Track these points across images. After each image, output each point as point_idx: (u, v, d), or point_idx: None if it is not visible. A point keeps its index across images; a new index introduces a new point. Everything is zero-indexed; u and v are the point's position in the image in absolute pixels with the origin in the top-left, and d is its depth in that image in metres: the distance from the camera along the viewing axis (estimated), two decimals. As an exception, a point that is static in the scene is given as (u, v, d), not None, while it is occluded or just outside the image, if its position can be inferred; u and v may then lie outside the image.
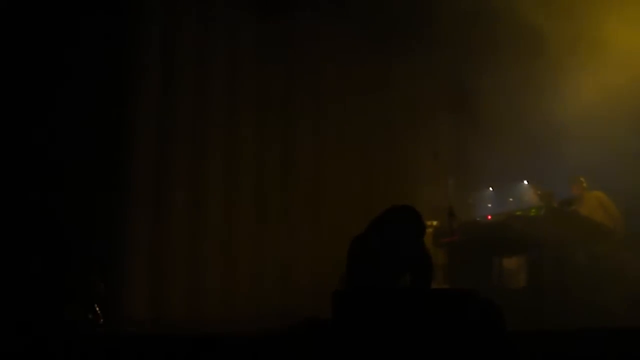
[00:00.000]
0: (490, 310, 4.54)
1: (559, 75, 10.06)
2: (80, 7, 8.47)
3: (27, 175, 7.83)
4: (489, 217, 9.23)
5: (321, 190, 10.93)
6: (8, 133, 7.88)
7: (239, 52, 10.48)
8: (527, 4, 9.55)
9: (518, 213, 8.89)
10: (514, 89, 10.49)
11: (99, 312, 7.13)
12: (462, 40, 11.04)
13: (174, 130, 9.62)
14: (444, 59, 11.91)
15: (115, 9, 8.88)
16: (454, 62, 11.98)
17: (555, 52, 9.98)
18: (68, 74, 8.40)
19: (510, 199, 10.75)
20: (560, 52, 9.93)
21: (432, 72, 12.20)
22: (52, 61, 8.28)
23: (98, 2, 8.67)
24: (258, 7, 10.59)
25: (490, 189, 11.37)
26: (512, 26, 9.71)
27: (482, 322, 4.33)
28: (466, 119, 12.15)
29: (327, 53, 11.20)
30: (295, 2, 10.63)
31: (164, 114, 9.55)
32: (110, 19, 8.80)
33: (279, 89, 10.86)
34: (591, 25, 9.54)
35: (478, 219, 9.43)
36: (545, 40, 9.90)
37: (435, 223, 9.66)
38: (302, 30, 10.87)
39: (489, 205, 11.02)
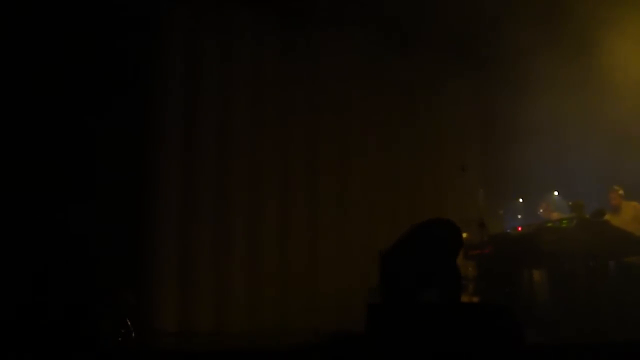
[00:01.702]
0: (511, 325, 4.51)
1: (591, 82, 10.01)
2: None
3: (52, 189, 7.92)
4: (520, 228, 9.13)
5: (348, 203, 10.93)
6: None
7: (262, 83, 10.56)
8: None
9: (549, 224, 8.79)
10: (544, 96, 10.45)
11: (130, 325, 7.18)
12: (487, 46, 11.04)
13: (198, 147, 9.71)
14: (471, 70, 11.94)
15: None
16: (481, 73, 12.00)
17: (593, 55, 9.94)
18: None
19: (541, 210, 10.66)
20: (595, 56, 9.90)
21: (460, 84, 12.20)
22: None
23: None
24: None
25: (521, 200, 11.28)
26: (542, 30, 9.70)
27: (508, 337, 4.31)
28: (495, 129, 12.11)
29: (352, 63, 11.19)
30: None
31: (187, 123, 9.66)
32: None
33: (302, 103, 10.88)
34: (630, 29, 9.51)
35: (508, 231, 9.34)
36: (578, 45, 9.86)
37: (465, 235, 9.61)
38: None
39: (519, 216, 10.93)
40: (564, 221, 8.57)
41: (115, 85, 8.70)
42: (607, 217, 9.35)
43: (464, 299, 8.96)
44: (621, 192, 9.53)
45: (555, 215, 10.00)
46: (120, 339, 7.01)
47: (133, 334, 7.17)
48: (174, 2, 9.77)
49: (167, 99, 9.54)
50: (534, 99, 10.58)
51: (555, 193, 10.77)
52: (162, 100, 9.50)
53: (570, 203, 9.37)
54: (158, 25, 9.54)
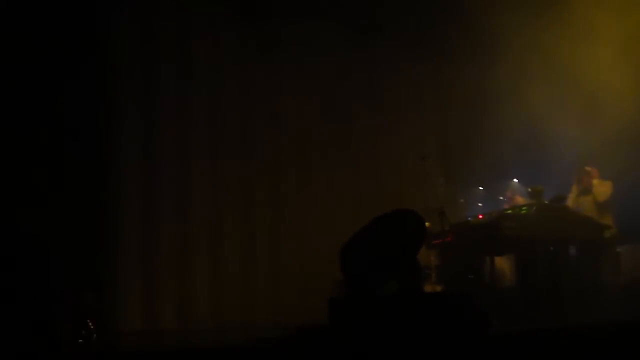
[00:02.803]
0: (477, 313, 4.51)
1: (546, 71, 10.10)
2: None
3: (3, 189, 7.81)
4: (480, 216, 9.18)
5: (309, 196, 10.91)
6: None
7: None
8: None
9: (509, 211, 8.86)
10: (501, 84, 10.51)
11: (91, 327, 7.09)
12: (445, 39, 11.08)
13: (159, 145, 9.64)
14: (428, 59, 11.98)
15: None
16: (438, 62, 12.05)
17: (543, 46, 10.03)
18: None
19: (501, 198, 10.74)
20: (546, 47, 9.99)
21: (417, 73, 12.25)
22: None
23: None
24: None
25: (481, 188, 11.35)
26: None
27: (473, 325, 4.32)
28: (453, 118, 12.17)
29: (310, 56, 11.18)
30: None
31: (147, 121, 9.63)
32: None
33: (261, 98, 10.83)
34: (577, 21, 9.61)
35: (469, 219, 9.38)
36: (531, 38, 9.94)
37: (427, 224, 9.63)
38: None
39: (480, 204, 11.00)
40: (524, 208, 8.64)
41: (71, 81, 8.57)
42: (580, 199, 9.49)
43: (427, 288, 8.99)
44: (594, 172, 9.65)
45: (519, 199, 10.08)
46: (80, 340, 6.92)
47: (94, 335, 7.07)
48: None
49: (126, 97, 9.44)
50: (495, 84, 10.62)
51: (515, 180, 10.85)
52: (121, 99, 9.40)
53: (529, 189, 9.43)
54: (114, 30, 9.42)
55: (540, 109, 10.30)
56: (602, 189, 9.52)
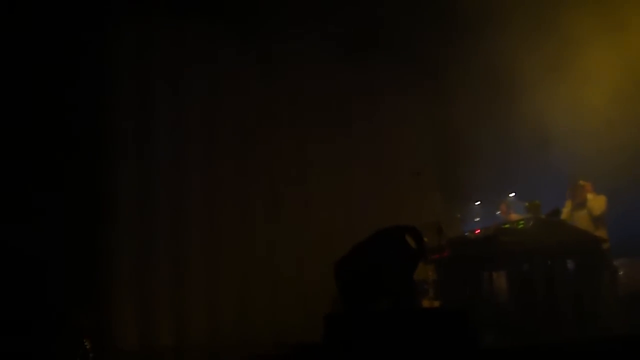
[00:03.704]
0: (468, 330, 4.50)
1: (545, 85, 10.14)
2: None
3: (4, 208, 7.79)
4: (477, 231, 9.17)
5: (306, 213, 10.89)
6: None
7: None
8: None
9: (506, 226, 8.85)
10: (497, 100, 10.54)
11: (88, 346, 7.06)
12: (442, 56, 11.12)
13: (154, 162, 9.64)
14: (424, 75, 12.02)
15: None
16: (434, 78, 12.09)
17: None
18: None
19: (498, 213, 10.75)
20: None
21: (414, 89, 12.28)
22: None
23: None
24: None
25: (477, 202, 11.35)
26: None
27: (463, 341, 4.30)
28: (451, 131, 12.18)
29: (307, 71, 11.21)
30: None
31: (142, 138, 9.60)
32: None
33: (258, 112, 10.83)
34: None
35: (466, 234, 9.38)
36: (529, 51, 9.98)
37: (425, 239, 9.61)
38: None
39: (477, 219, 11.00)
40: (521, 222, 8.63)
41: (67, 92, 8.58)
42: (574, 214, 9.50)
43: (425, 303, 8.98)
44: (588, 187, 9.66)
45: (513, 217, 10.08)
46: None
47: (91, 355, 7.05)
48: (125, 13, 9.65)
49: (122, 111, 9.44)
50: (489, 100, 10.65)
51: (512, 194, 10.86)
52: (115, 115, 9.38)
53: (526, 204, 9.43)
54: (109, 35, 9.43)
55: (536, 123, 10.33)
56: (597, 203, 9.53)
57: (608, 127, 9.58)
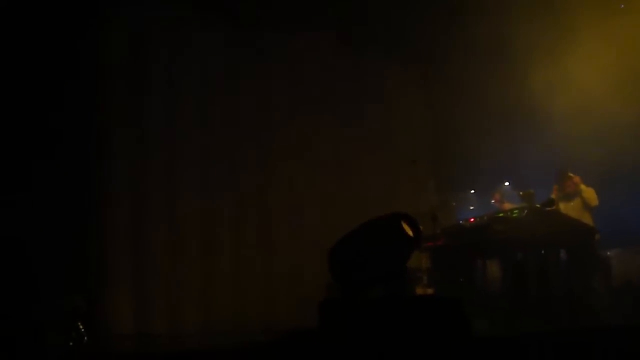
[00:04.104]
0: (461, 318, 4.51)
1: (539, 74, 10.14)
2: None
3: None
4: (472, 219, 9.20)
5: (299, 199, 10.91)
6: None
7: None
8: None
9: (500, 215, 8.88)
10: (494, 88, 10.54)
11: (82, 330, 7.07)
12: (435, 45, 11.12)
13: (148, 147, 9.64)
14: (418, 64, 12.02)
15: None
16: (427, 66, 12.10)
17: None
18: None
19: (493, 201, 10.78)
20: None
21: (407, 77, 12.28)
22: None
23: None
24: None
25: (472, 191, 11.38)
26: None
27: (458, 329, 4.32)
28: (445, 120, 12.19)
29: (300, 61, 11.21)
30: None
31: (136, 123, 9.60)
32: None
33: (251, 103, 10.81)
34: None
35: (461, 222, 9.41)
36: (527, 40, 9.99)
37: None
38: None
39: (471, 207, 11.03)
40: (515, 211, 8.66)
41: (61, 87, 8.55)
42: (561, 204, 9.53)
43: (419, 291, 9.01)
44: (577, 179, 9.71)
45: (507, 206, 10.11)
46: (71, 343, 6.90)
47: (85, 339, 7.05)
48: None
49: (114, 101, 9.42)
50: (482, 90, 10.65)
51: (506, 183, 10.88)
52: (109, 102, 9.37)
53: (520, 193, 9.45)
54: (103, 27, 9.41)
55: (532, 112, 10.35)
56: (592, 194, 9.59)
57: (603, 115, 9.58)
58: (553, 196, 9.61)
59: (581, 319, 8.08)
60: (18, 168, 8.08)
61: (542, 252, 8.48)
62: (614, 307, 8.90)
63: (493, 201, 10.81)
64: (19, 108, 8.20)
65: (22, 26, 8.36)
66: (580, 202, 9.67)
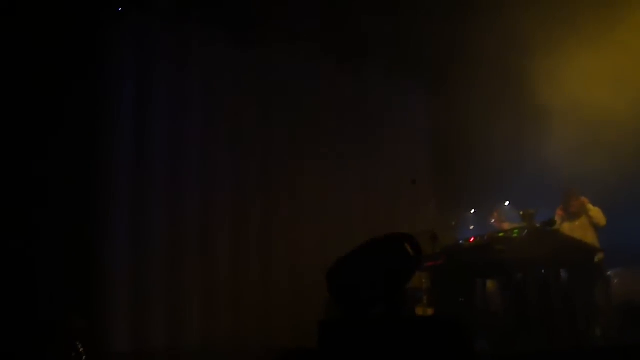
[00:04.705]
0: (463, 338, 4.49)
1: (544, 92, 10.17)
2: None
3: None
4: (472, 239, 9.18)
5: (299, 219, 10.90)
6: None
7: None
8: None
9: (500, 234, 8.86)
10: (492, 109, 10.55)
11: (81, 349, 7.05)
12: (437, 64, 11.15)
13: (149, 164, 9.65)
14: (419, 83, 12.04)
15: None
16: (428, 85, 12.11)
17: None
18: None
19: (492, 221, 10.76)
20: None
21: (409, 97, 12.31)
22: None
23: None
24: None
25: (472, 211, 11.37)
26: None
27: (459, 350, 4.30)
28: (446, 141, 12.20)
29: (303, 78, 11.25)
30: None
31: (138, 139, 9.63)
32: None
33: (254, 119, 10.84)
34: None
35: (461, 242, 9.39)
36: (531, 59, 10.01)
37: (421, 248, 9.61)
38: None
39: (472, 227, 11.01)
40: (515, 231, 8.63)
41: (61, 96, 8.56)
42: (566, 224, 9.53)
43: (419, 310, 8.98)
44: (583, 199, 9.71)
45: (506, 225, 10.10)
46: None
47: (84, 358, 7.04)
48: (123, 17, 9.67)
49: (117, 112, 9.47)
50: (485, 109, 10.66)
51: (506, 203, 10.87)
52: (112, 115, 9.42)
53: (521, 212, 9.44)
54: (107, 38, 9.44)
55: (532, 132, 10.37)
56: (600, 214, 9.60)
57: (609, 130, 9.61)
58: (558, 216, 9.62)
59: (582, 339, 8.05)
60: (20, 186, 8.08)
61: (543, 271, 8.45)
62: (615, 327, 8.88)
63: (492, 221, 10.79)
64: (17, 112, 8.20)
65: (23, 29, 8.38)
66: (586, 221, 9.66)
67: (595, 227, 9.62)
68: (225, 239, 10.19)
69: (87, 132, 8.99)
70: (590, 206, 9.68)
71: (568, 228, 9.61)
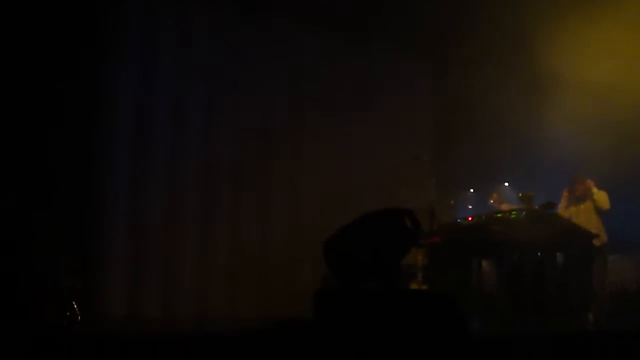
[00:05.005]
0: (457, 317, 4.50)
1: (544, 76, 10.13)
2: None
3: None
4: (470, 218, 9.21)
5: (299, 190, 10.92)
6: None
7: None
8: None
9: (498, 215, 8.89)
10: (496, 88, 10.52)
11: (76, 309, 7.08)
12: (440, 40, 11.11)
13: (150, 131, 9.66)
14: (422, 59, 12.00)
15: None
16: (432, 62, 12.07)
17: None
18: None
19: (491, 201, 10.79)
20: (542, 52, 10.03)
21: (411, 72, 12.28)
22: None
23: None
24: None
25: (471, 190, 11.38)
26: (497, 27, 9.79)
27: (452, 328, 4.31)
28: (447, 119, 12.18)
29: (305, 54, 11.21)
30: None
31: (139, 114, 9.62)
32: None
33: (255, 95, 10.81)
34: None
35: (459, 221, 9.42)
36: (528, 40, 9.96)
37: (420, 224, 9.62)
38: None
39: (470, 206, 11.03)
40: (514, 212, 8.67)
41: (64, 78, 8.53)
42: (572, 208, 9.56)
43: (413, 287, 9.02)
44: (589, 182, 9.72)
45: (504, 207, 10.12)
46: (65, 322, 6.91)
47: (79, 318, 7.07)
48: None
49: (119, 89, 9.45)
50: (489, 89, 10.63)
51: (506, 184, 10.89)
52: (114, 90, 9.39)
53: (520, 194, 9.46)
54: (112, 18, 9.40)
55: (535, 112, 10.35)
56: (604, 197, 9.62)
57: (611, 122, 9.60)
58: (564, 198, 9.66)
59: (574, 323, 8.10)
60: (18, 147, 8.08)
61: (539, 254, 8.48)
62: (607, 313, 8.93)
63: (491, 201, 10.82)
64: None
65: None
66: (591, 205, 9.69)
67: (599, 210, 9.65)
68: (223, 209, 10.21)
69: (89, 107, 8.95)
70: (595, 189, 9.70)
71: (574, 211, 9.66)
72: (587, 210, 9.68)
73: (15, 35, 8.16)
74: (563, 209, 9.77)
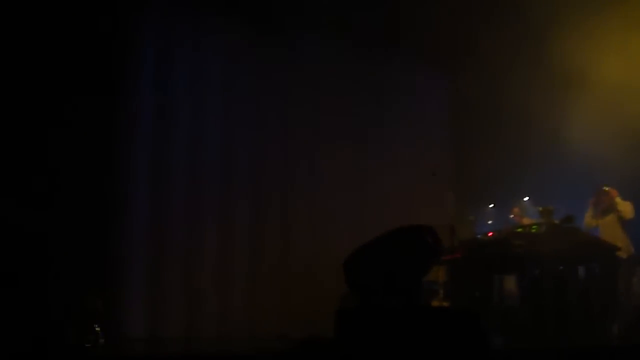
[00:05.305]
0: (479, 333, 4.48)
1: (563, 90, 10.10)
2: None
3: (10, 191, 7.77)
4: (490, 234, 9.18)
5: (317, 208, 10.91)
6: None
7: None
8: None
9: (519, 230, 8.85)
10: (515, 102, 10.50)
11: (98, 331, 7.10)
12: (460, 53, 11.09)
13: (169, 149, 9.69)
14: (442, 73, 11.99)
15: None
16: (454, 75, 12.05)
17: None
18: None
19: (511, 216, 10.74)
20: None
21: (430, 87, 12.27)
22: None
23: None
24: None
25: (491, 205, 11.34)
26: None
27: (474, 344, 4.30)
28: (467, 135, 12.15)
29: (322, 67, 11.22)
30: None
31: (157, 127, 9.66)
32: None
33: (272, 108, 10.84)
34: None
35: (479, 236, 9.38)
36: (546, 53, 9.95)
37: (440, 241, 9.60)
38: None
39: (490, 222, 10.98)
40: (534, 227, 8.63)
41: (82, 82, 8.58)
42: (599, 218, 9.51)
43: (434, 304, 8.97)
44: (613, 192, 9.66)
45: (526, 221, 10.07)
46: (88, 345, 6.93)
47: (102, 340, 7.09)
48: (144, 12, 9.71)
49: (136, 98, 9.50)
50: (507, 101, 10.60)
51: (526, 198, 10.83)
52: (132, 103, 9.43)
53: (540, 209, 9.42)
54: (128, 32, 9.46)
55: (555, 126, 10.32)
56: (628, 207, 9.55)
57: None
58: (589, 212, 9.62)
59: (598, 336, 8.03)
60: (38, 168, 8.11)
61: (560, 268, 8.43)
62: (633, 326, 8.84)
63: (512, 216, 10.77)
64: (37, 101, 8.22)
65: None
66: (615, 217, 9.62)
67: (623, 221, 9.57)
68: (243, 229, 10.22)
69: (108, 110, 8.98)
70: (619, 200, 9.63)
71: (601, 224, 9.63)
72: (612, 223, 9.61)
73: (32, 32, 8.21)
74: (589, 218, 9.74)
